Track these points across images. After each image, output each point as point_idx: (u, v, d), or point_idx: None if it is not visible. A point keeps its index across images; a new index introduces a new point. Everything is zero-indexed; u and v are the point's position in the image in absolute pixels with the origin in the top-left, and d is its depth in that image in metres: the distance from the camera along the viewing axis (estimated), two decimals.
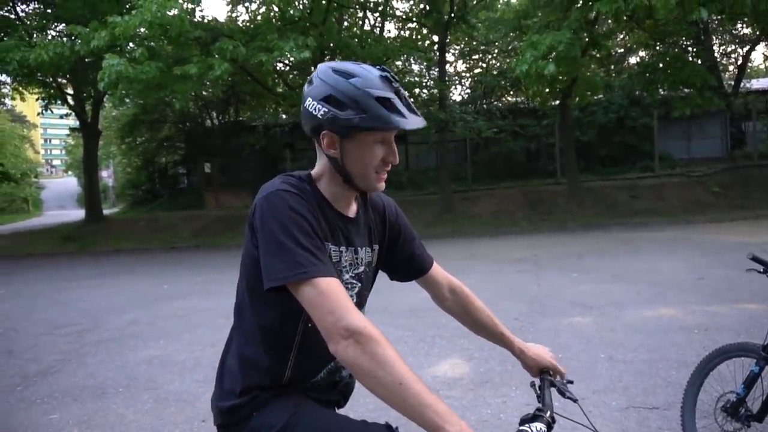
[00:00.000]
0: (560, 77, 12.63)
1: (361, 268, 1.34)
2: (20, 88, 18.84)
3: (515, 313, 5.62)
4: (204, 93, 21.14)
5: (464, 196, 16.62)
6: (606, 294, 6.22)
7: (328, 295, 1.08)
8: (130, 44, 11.50)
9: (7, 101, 24.31)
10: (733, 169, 16.31)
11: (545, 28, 12.07)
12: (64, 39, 12.71)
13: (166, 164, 27.29)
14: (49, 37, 13.86)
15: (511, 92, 23.28)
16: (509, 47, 19.64)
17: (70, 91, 18.95)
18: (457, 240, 12.57)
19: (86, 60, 13.13)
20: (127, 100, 17.47)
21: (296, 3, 13.14)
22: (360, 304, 1.34)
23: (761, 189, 14.54)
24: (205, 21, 13.73)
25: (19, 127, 44.73)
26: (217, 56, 11.38)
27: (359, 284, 1.34)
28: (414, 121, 1.20)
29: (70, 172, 51.14)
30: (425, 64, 20.83)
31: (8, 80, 17.43)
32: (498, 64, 22.68)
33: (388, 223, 1.43)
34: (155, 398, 3.98)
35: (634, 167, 17.98)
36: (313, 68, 9.71)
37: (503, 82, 21.33)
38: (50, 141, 76.94)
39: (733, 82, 19.91)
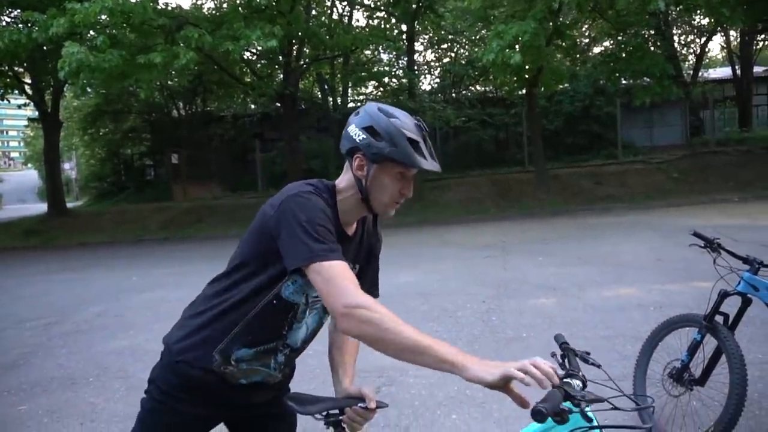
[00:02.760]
0: (526, 66, 12.84)
1: None
2: None
3: (483, 297, 5.79)
4: (170, 82, 20.67)
5: (434, 185, 16.77)
6: (570, 276, 6.45)
7: (334, 278, 1.28)
8: (91, 32, 11.19)
9: None
10: (692, 156, 16.89)
11: (511, 18, 12.25)
12: (20, 26, 12.28)
13: (132, 156, 26.69)
14: (3, 23, 13.36)
15: (480, 81, 23.50)
16: (476, 37, 19.82)
17: (27, 80, 18.30)
18: (427, 228, 12.74)
19: (44, 48, 12.74)
20: (89, 90, 17.01)
21: None
22: (324, 307, 1.52)
23: (718, 175, 15.12)
24: (169, 8, 13.44)
25: None
26: (182, 45, 11.18)
27: None
28: (432, 165, 1.43)
29: (29, 165, 49.43)
30: (394, 53, 20.85)
31: None
32: (466, 54, 22.86)
33: (373, 253, 1.63)
34: (127, 386, 3.99)
35: (598, 155, 18.42)
36: (280, 57, 9.76)
37: (471, 72, 21.52)
38: (7, 132, 74.12)
39: (692, 72, 20.58)
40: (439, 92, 22.52)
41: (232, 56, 12.33)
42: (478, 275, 6.94)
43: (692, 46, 23.12)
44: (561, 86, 17.46)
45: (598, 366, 1.37)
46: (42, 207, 22.64)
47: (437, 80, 24.71)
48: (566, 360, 1.44)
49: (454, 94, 22.44)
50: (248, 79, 17.65)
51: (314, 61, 17.14)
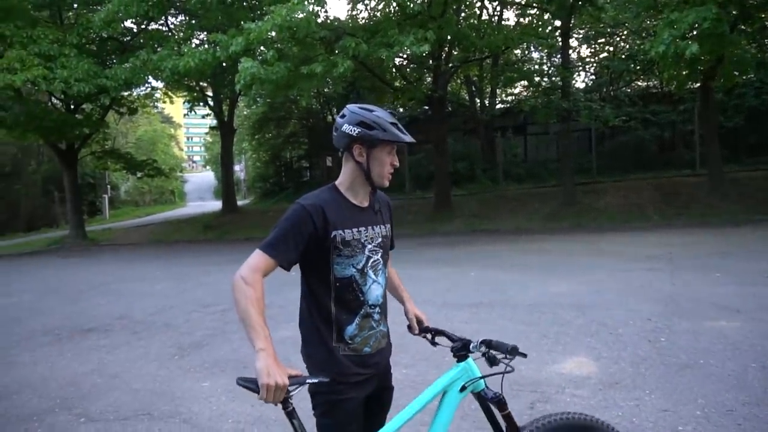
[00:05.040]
0: (702, 57, 11.42)
1: (380, 239, 1.92)
2: (169, 93, 21.16)
3: (647, 313, 5.26)
4: (326, 90, 22.13)
5: (588, 189, 15.74)
6: (756, 297, 5.59)
7: (252, 256, 1.74)
8: (262, 47, 12.37)
9: (159, 104, 27.42)
10: None
11: (685, 4, 10.98)
12: (207, 46, 14.04)
13: (291, 158, 29.07)
14: (193, 45, 15.36)
15: (642, 77, 21.53)
16: (641, 27, 18.15)
17: (210, 93, 20.87)
18: (579, 235, 11.97)
19: (224, 64, 14.38)
20: (259, 99, 18.87)
21: None
22: (385, 263, 1.94)
23: None
24: (328, 21, 14.34)
25: (167, 127, 50.13)
26: (340, 54, 11.85)
27: (381, 250, 1.92)
28: (409, 138, 1.84)
29: (208, 167, 56.31)
30: (546, 51, 19.97)
31: (160, 85, 19.65)
32: (627, 47, 21.08)
33: (387, 210, 2.03)
34: None
35: None
36: (430, 61, 9.89)
37: (633, 66, 19.79)
38: (191, 139, 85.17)
39: None
40: (595, 90, 21.07)
41: (385, 63, 12.76)
42: (641, 289, 6.33)
43: None
44: (744, 77, 15.27)
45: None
46: (217, 204, 25.64)
47: (593, 77, 23.16)
48: (434, 338, 1.96)
49: (611, 92, 20.84)
50: (398, 84, 18.17)
51: (464, 63, 17.08)
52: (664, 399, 3.42)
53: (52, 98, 18.31)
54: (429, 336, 1.98)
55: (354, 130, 1.81)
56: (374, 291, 1.87)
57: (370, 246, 1.87)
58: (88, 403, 4.04)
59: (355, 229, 1.84)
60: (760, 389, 3.42)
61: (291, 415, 1.62)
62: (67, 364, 4.99)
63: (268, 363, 1.56)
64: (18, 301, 8.33)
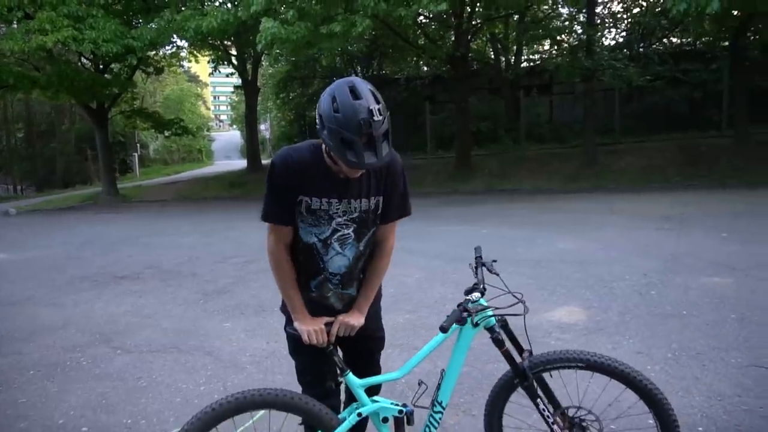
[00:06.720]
0: (735, 12, 11.05)
1: (356, 214, 1.80)
2: (195, 52, 21.41)
3: (645, 269, 5.49)
4: (349, 48, 22.04)
5: (609, 149, 15.63)
6: (755, 256, 5.74)
7: (269, 232, 1.80)
8: (283, 7, 12.43)
9: (185, 63, 27.74)
10: None
11: None
12: (229, 6, 14.15)
13: (315, 118, 29.21)
14: (217, 4, 15.47)
15: (675, 33, 20.79)
16: None
17: (234, 52, 21.05)
18: (597, 195, 12.04)
19: (247, 24, 14.52)
20: (281, 59, 19.00)
21: None
22: (358, 238, 1.83)
23: None
24: None
25: (194, 86, 50.54)
26: (360, 13, 11.87)
27: (354, 225, 1.81)
28: (367, 162, 1.55)
29: (234, 126, 56.88)
30: (575, 7, 19.43)
31: (185, 45, 19.89)
32: (661, 1, 20.30)
33: (384, 179, 1.81)
34: None
35: None
36: (453, 19, 9.89)
37: (665, 22, 19.12)
38: (218, 98, 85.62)
39: None
40: (625, 48, 20.47)
41: (404, 21, 12.72)
42: (646, 247, 6.52)
43: None
44: None
45: (497, 274, 1.97)
46: (243, 163, 26.18)
47: (624, 34, 22.46)
48: (477, 270, 1.99)
49: (641, 49, 20.23)
50: (421, 42, 18.03)
51: (486, 20, 16.81)
52: (641, 343, 3.70)
53: (82, 58, 18.76)
54: (472, 266, 2.05)
55: (316, 115, 1.65)
56: (336, 262, 1.84)
57: (339, 219, 1.77)
58: (124, 338, 4.53)
59: (324, 199, 1.74)
60: (732, 337, 3.67)
61: (332, 353, 1.89)
62: (105, 306, 5.52)
63: (303, 320, 1.82)
64: (57, 251, 8.97)
